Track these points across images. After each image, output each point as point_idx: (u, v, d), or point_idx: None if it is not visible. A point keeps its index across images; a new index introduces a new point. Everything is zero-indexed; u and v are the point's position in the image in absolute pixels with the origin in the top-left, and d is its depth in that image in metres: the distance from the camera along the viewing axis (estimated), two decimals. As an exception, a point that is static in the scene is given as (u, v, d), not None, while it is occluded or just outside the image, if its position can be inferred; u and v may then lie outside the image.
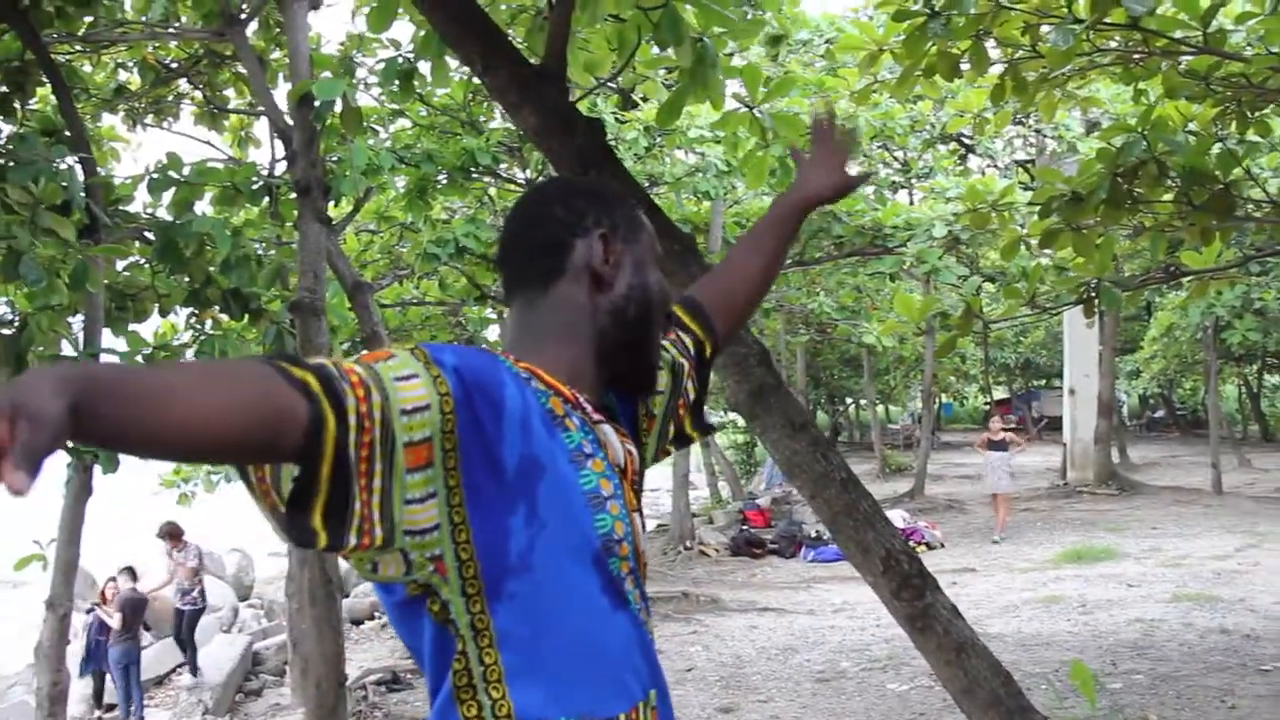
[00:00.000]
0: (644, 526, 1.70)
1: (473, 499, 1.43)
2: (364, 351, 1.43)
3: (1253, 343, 23.53)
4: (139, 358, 6.40)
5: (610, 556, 1.54)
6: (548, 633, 1.48)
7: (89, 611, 13.05)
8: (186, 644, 13.02)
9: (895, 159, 20.41)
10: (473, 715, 1.49)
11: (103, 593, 12.68)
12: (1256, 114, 5.84)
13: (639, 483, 1.76)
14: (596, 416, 1.63)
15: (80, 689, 12.18)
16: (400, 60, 6.95)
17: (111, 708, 13.03)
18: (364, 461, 1.35)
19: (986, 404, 39.20)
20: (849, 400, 40.73)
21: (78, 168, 6.26)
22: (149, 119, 9.61)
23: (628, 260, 1.71)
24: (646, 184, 12.17)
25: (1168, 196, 5.68)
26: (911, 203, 19.17)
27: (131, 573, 12.85)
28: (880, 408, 35.94)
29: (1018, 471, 24.22)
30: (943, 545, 16.28)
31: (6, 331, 5.15)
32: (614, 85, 11.65)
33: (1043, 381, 44.63)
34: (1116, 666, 7.91)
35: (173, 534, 13.05)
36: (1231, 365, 30.42)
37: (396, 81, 6.98)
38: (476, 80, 10.49)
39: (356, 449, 1.35)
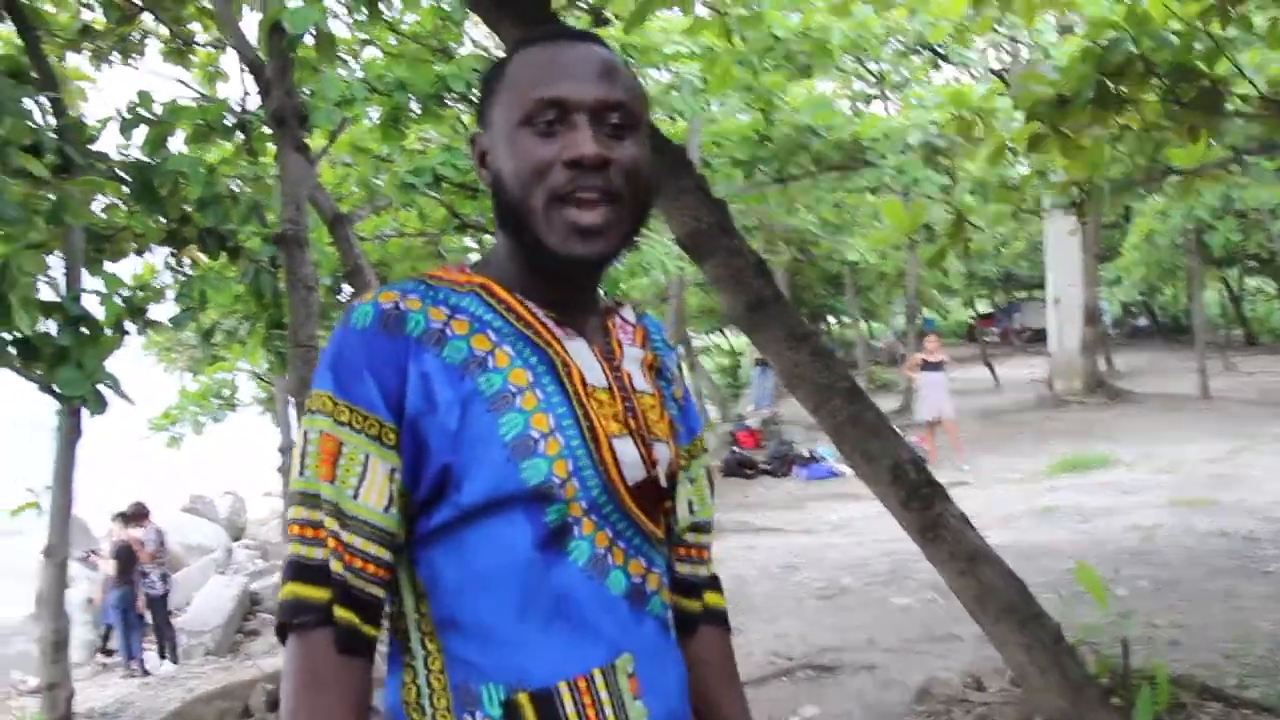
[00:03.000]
0: (646, 445, 1.49)
1: (410, 463, 1.40)
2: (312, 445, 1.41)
3: (1234, 245, 23.52)
4: (117, 298, 6.30)
5: (549, 504, 1.38)
6: (472, 589, 1.39)
7: (83, 559, 13.04)
8: (160, 629, 12.87)
9: (870, 71, 20.23)
10: (406, 663, 1.43)
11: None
12: (1237, 7, 5.72)
13: (674, 402, 1.64)
14: (560, 332, 1.48)
15: (81, 635, 12.19)
16: (367, -17, 6.79)
17: (112, 653, 13.07)
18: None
19: (971, 318, 39.24)
20: (831, 319, 40.73)
21: (48, 108, 6.12)
22: (115, 57, 9.41)
23: (491, 153, 1.48)
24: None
25: (1153, 96, 5.58)
26: (888, 114, 19.00)
27: (124, 518, 12.81)
28: (864, 325, 35.99)
29: (1005, 384, 24.17)
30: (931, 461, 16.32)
31: (-15, 276, 5.03)
32: (586, 2, 11.47)
33: (1024, 293, 44.66)
34: (1119, 573, 7.92)
35: (136, 515, 12.92)
36: (1213, 269, 30.44)
37: (364, 6, 6.81)
38: (445, 6, 10.35)
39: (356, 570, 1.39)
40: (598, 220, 1.40)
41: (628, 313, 1.63)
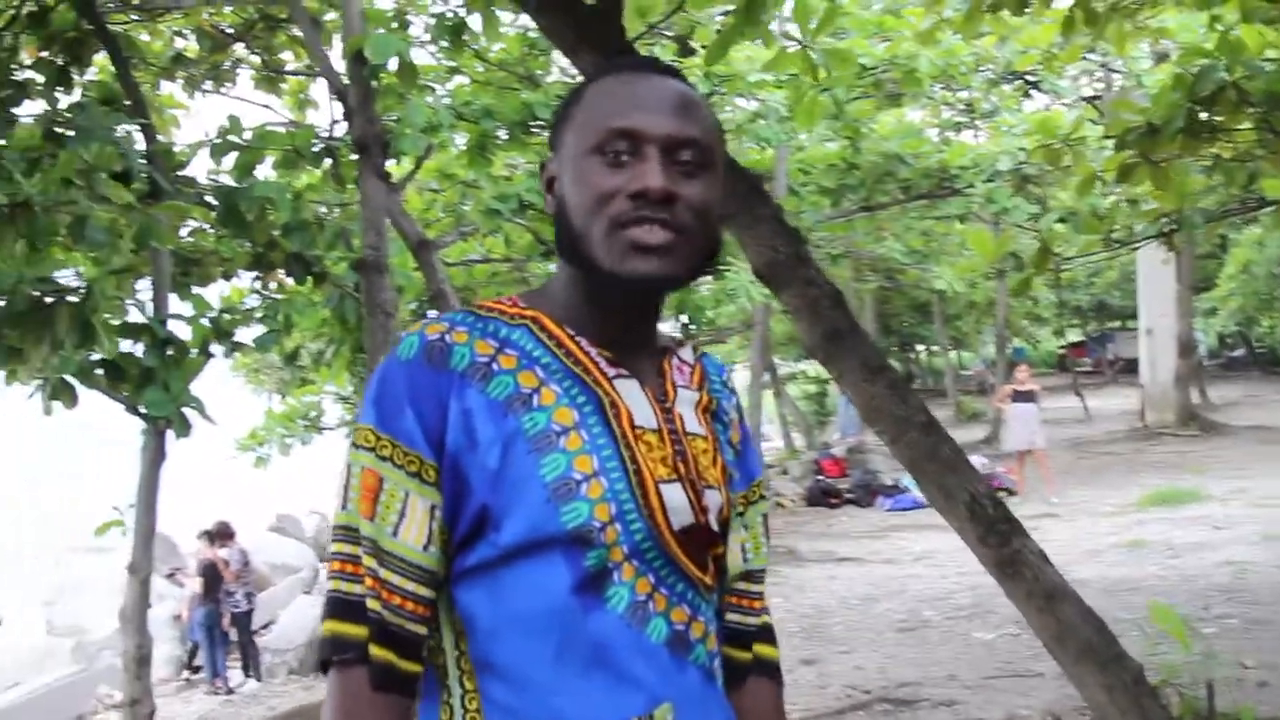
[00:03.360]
0: (695, 490, 1.44)
1: (450, 500, 1.38)
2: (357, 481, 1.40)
3: (1334, 275, 23.00)
4: (204, 321, 6.40)
5: (589, 548, 1.34)
6: (508, 631, 1.36)
7: (168, 576, 13.22)
8: (245, 647, 13.00)
9: (958, 99, 20.01)
10: (443, 700, 1.40)
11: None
12: (1335, 35, 5.58)
13: (730, 446, 1.59)
14: (611, 371, 1.44)
15: (167, 651, 12.39)
16: (449, 15, 6.86)
17: (198, 669, 13.25)
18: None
19: (1061, 347, 38.66)
20: (920, 347, 40.36)
21: (138, 135, 6.23)
22: (207, 85, 9.58)
23: (559, 179, 1.46)
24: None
25: (1246, 125, 5.46)
26: (977, 141, 18.79)
27: (210, 537, 12.99)
28: (953, 354, 35.60)
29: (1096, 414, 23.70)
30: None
31: (72, 299, 5.12)
32: (669, 31, 11.48)
33: (1117, 323, 43.90)
34: (1209, 611, 7.73)
35: (221, 534, 13.08)
36: (1312, 300, 29.72)
37: (447, 36, 6.89)
38: (532, 34, 10.43)
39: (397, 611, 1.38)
40: (659, 240, 1.37)
41: (686, 353, 1.58)
